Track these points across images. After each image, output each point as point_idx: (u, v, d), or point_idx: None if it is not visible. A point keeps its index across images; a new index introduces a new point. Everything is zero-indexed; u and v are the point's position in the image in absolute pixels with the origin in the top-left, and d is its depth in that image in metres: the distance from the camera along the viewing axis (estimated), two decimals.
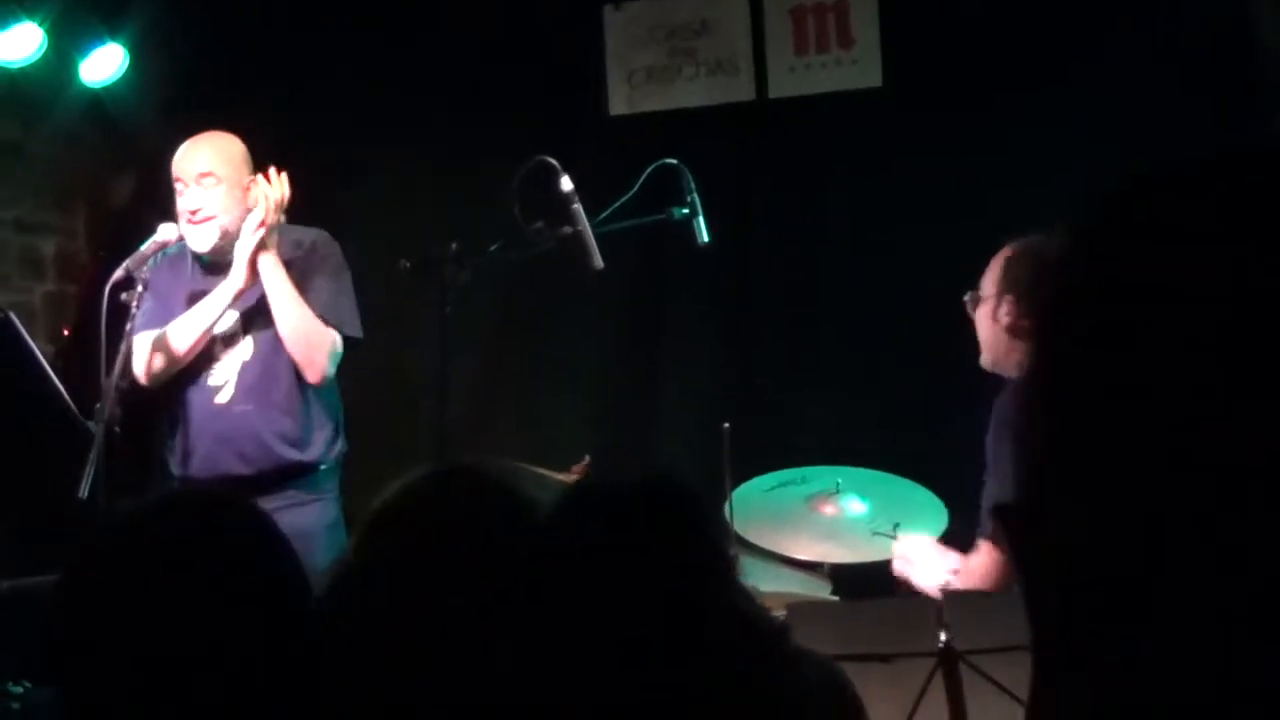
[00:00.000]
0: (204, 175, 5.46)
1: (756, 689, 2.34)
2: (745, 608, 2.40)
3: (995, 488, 4.46)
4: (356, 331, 5.57)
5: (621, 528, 2.36)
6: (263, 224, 5.37)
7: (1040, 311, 1.35)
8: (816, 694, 2.51)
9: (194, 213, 5.45)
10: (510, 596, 2.42)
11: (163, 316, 5.56)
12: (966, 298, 4.72)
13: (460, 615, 2.47)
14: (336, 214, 6.23)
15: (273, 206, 5.37)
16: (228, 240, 5.49)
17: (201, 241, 5.48)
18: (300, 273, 5.51)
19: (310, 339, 5.45)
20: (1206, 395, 1.20)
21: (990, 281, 4.65)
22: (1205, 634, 1.18)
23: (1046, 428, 1.30)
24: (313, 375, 5.48)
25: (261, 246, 5.38)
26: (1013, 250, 4.61)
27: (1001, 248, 4.70)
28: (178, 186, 5.49)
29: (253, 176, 5.54)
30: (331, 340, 5.49)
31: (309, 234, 5.66)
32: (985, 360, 4.72)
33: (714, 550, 2.43)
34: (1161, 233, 1.28)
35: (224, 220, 5.47)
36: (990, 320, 4.63)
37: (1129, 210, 1.32)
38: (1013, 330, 4.57)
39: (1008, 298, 4.57)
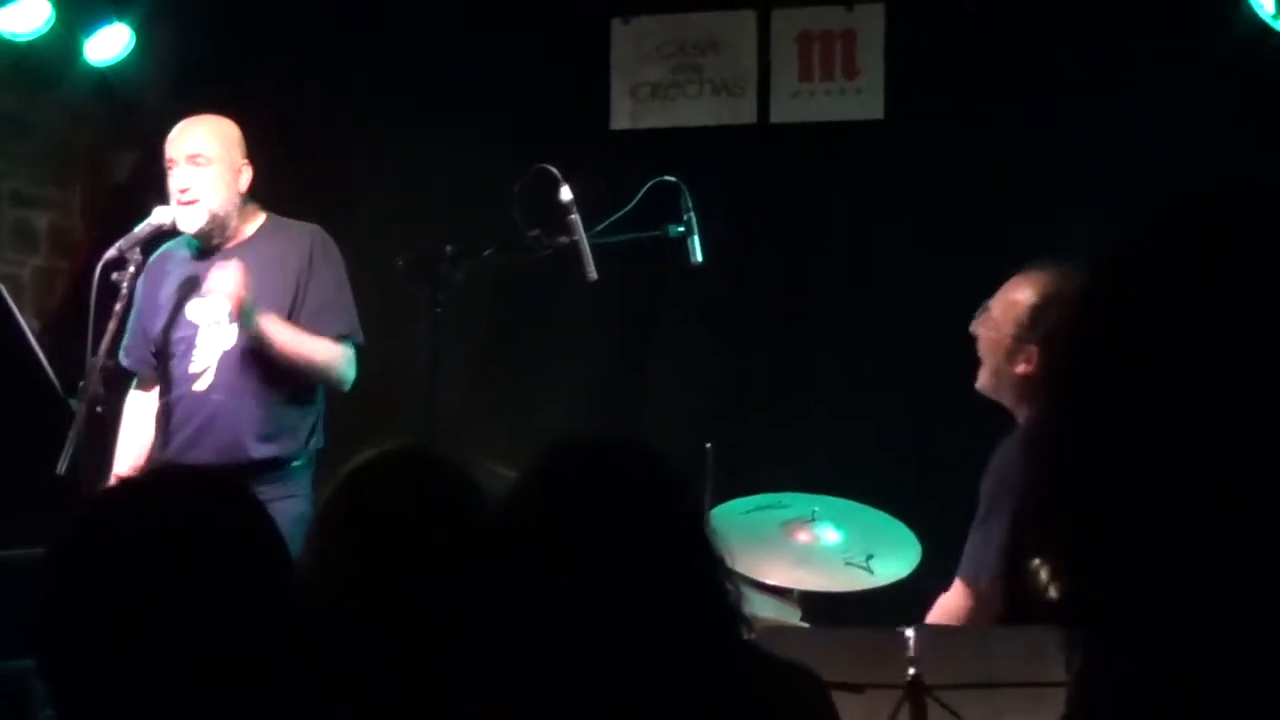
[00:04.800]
0: (194, 156, 5.48)
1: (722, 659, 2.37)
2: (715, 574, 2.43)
3: (988, 534, 4.44)
4: (362, 337, 5.61)
5: (595, 487, 2.39)
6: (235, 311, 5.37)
7: (1060, 367, 1.36)
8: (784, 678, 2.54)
9: (183, 192, 5.47)
10: (467, 567, 2.45)
11: (144, 321, 5.61)
12: (977, 313, 4.64)
13: (414, 587, 2.50)
14: (334, 205, 6.24)
15: (234, 298, 5.35)
16: (215, 221, 5.51)
17: (190, 222, 5.49)
18: (303, 272, 5.53)
19: (329, 368, 5.53)
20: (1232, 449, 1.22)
21: (1007, 319, 4.54)
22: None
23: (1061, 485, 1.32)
24: (339, 389, 5.56)
25: (248, 321, 5.39)
26: (1038, 293, 4.48)
27: (1014, 275, 4.60)
28: (169, 166, 5.51)
29: (245, 160, 5.56)
30: (347, 356, 5.53)
31: (305, 230, 5.66)
32: (984, 384, 4.64)
33: (687, 512, 2.46)
34: (1180, 279, 1.30)
35: (212, 203, 5.50)
36: (1003, 358, 4.55)
37: (1150, 254, 1.33)
38: (1029, 379, 4.46)
39: (1030, 348, 4.47)
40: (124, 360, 5.67)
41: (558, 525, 2.35)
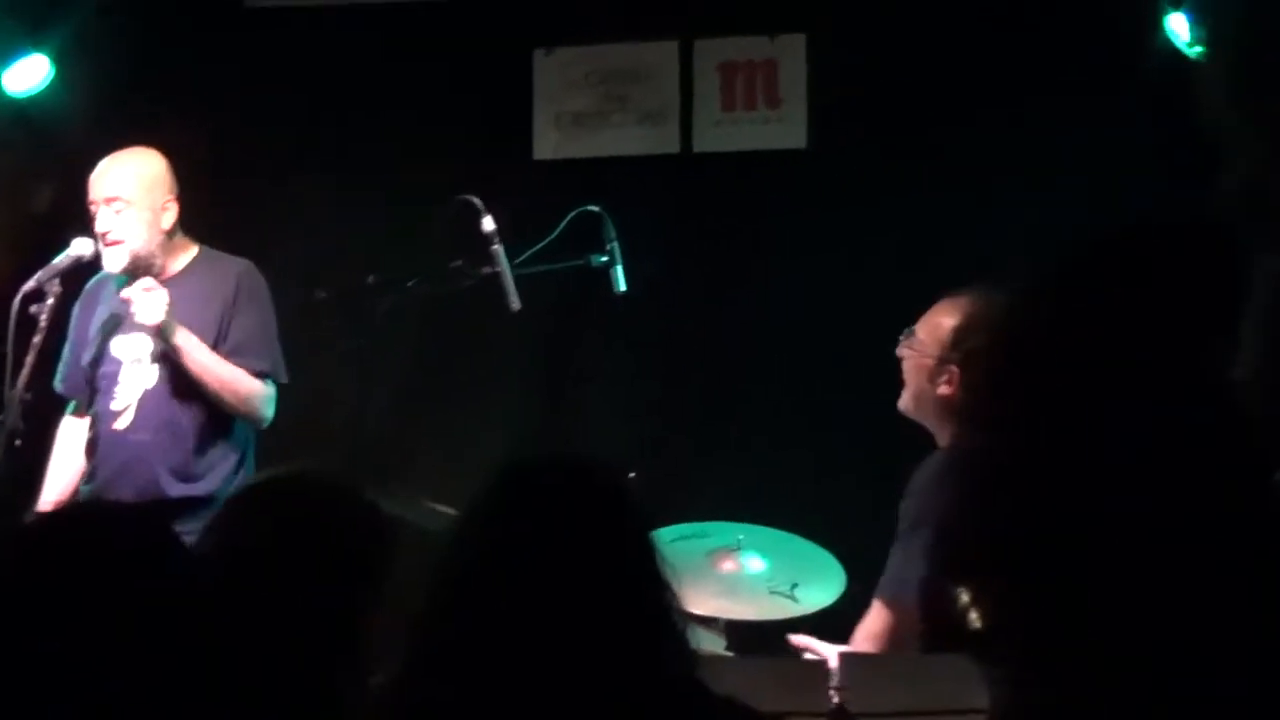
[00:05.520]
0: (112, 200, 5.45)
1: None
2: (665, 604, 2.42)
3: (909, 552, 4.46)
4: (284, 376, 5.58)
5: (547, 512, 2.38)
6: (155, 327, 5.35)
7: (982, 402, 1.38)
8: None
9: (104, 235, 5.44)
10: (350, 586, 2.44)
11: (79, 348, 5.59)
12: (903, 335, 4.69)
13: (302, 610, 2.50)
14: (256, 238, 6.20)
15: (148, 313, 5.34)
16: (139, 261, 5.47)
17: (113, 263, 5.48)
18: (228, 309, 5.50)
19: (242, 397, 5.49)
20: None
21: (932, 340, 4.60)
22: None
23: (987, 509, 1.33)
24: (253, 424, 5.53)
25: (166, 338, 5.36)
26: (961, 315, 4.54)
27: (939, 300, 4.67)
28: (91, 207, 5.48)
29: (170, 196, 5.52)
30: (265, 394, 5.50)
31: (234, 266, 5.63)
32: (905, 405, 4.69)
33: (637, 536, 2.45)
34: (1099, 312, 1.31)
35: (134, 244, 5.47)
36: (925, 380, 4.59)
37: (1066, 289, 1.35)
38: (949, 400, 4.52)
39: (951, 369, 4.53)
40: (59, 387, 5.67)
41: (516, 545, 2.34)
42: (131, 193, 5.46)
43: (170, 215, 5.53)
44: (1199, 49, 5.50)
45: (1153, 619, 1.28)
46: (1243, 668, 1.28)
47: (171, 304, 5.31)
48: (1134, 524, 1.28)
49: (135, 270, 5.48)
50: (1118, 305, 1.34)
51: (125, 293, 5.36)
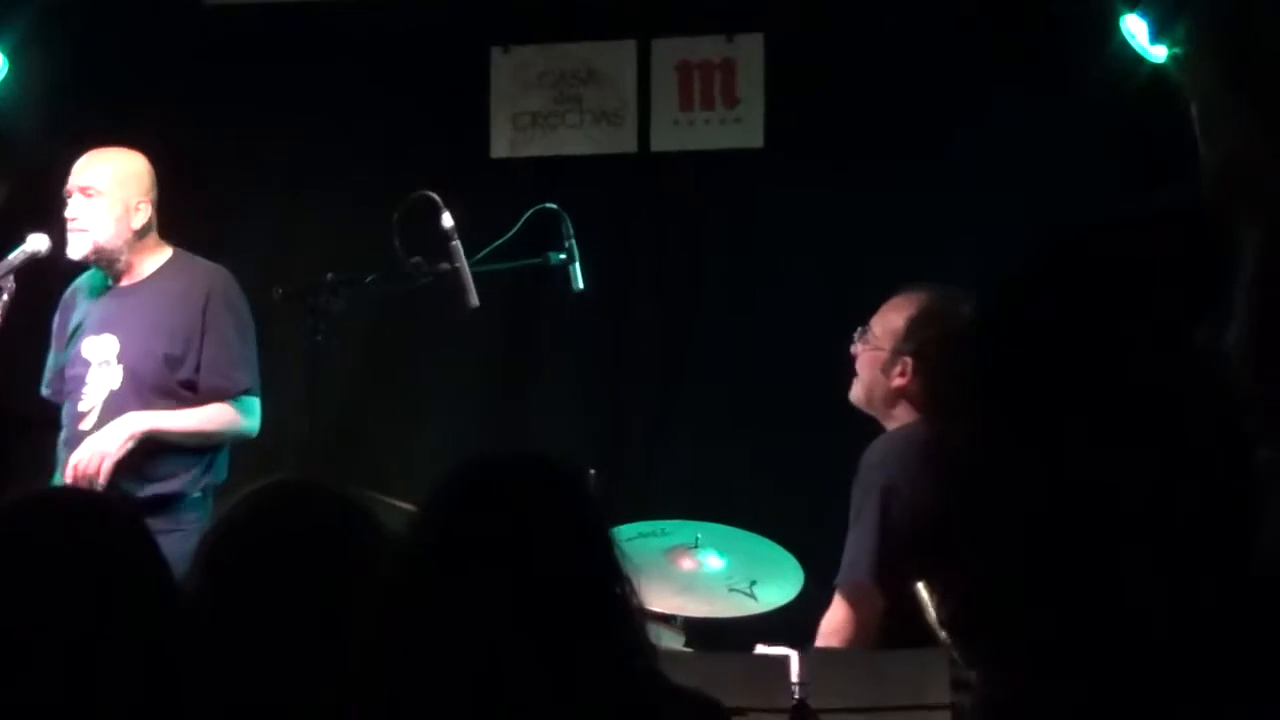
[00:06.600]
0: (85, 188, 5.46)
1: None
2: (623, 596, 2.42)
3: (858, 535, 4.50)
4: (258, 390, 5.57)
5: (507, 507, 2.37)
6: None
7: (949, 394, 1.38)
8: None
9: (71, 221, 5.44)
10: (361, 600, 2.43)
11: (58, 350, 5.62)
12: (856, 333, 4.77)
13: (305, 623, 2.48)
14: (214, 235, 6.19)
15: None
16: (102, 254, 5.48)
17: (74, 249, 5.48)
18: (197, 317, 5.48)
19: (230, 432, 5.53)
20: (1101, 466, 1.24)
21: (886, 334, 4.68)
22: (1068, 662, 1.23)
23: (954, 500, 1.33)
24: (246, 439, 5.56)
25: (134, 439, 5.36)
26: (916, 308, 4.64)
27: (893, 296, 4.74)
28: (67, 196, 5.48)
29: (144, 197, 5.50)
30: (244, 414, 5.52)
31: (207, 272, 5.62)
32: (857, 397, 4.76)
33: (595, 528, 2.45)
34: (1062, 313, 1.32)
35: (97, 235, 5.46)
36: (879, 371, 4.68)
37: (1029, 289, 1.36)
38: (902, 391, 4.63)
39: (905, 359, 4.62)
40: (44, 392, 5.69)
41: (474, 541, 2.33)
42: (104, 184, 5.46)
43: (142, 216, 5.51)
44: (1177, 34, 5.52)
45: (1130, 610, 1.28)
46: (1226, 659, 1.29)
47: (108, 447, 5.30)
48: (1115, 514, 1.28)
49: (97, 261, 5.49)
50: (1095, 294, 1.34)
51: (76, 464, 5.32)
